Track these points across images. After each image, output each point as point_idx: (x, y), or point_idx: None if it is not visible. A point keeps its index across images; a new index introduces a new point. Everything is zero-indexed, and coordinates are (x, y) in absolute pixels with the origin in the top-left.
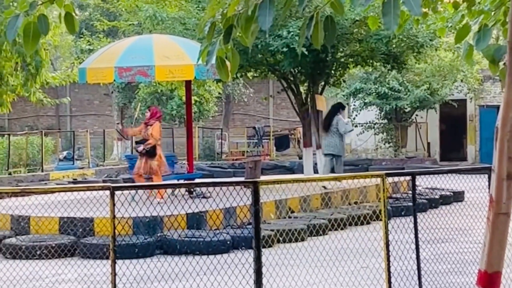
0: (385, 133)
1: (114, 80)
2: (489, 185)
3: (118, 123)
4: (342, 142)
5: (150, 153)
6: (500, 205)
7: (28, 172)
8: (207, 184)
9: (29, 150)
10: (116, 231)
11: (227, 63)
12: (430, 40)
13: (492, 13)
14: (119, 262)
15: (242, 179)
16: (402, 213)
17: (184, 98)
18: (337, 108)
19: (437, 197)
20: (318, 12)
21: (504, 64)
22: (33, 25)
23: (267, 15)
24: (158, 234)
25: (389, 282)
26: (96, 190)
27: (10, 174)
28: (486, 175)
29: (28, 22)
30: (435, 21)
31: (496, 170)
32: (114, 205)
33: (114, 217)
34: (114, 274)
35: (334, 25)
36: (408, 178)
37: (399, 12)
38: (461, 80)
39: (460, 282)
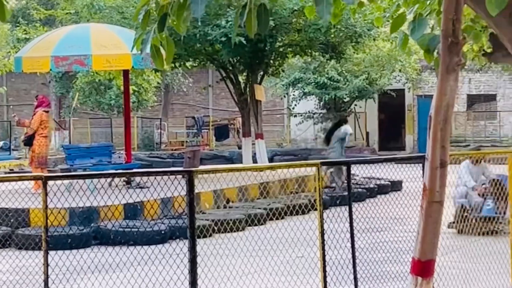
0: (324, 123)
1: (51, 70)
2: (423, 174)
3: (14, 115)
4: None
5: (27, 143)
6: (433, 194)
7: None
8: (141, 174)
9: None
10: (49, 221)
11: (163, 51)
12: (368, 30)
13: (428, 2)
14: (53, 253)
15: (181, 169)
16: (338, 202)
17: (122, 88)
18: (339, 124)
19: (375, 186)
20: (251, 0)
21: (438, 53)
22: None
23: (199, 3)
24: (94, 225)
25: (324, 271)
26: (28, 180)
27: None
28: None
29: None
30: (373, 11)
31: (429, 158)
32: (46, 195)
33: (46, 207)
34: (46, 264)
35: (268, 13)
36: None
37: (331, 0)
38: (400, 70)
39: (395, 270)
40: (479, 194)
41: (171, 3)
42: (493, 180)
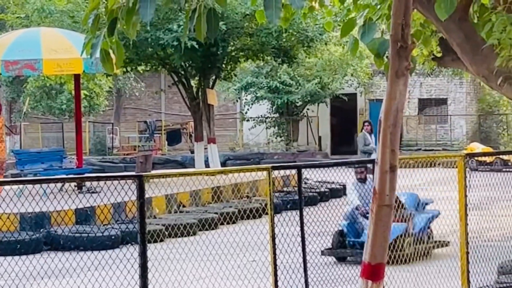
0: (276, 127)
1: (1, 74)
2: (373, 178)
3: None
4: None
5: None
6: (383, 197)
7: None
8: (92, 178)
9: None
10: None
11: (113, 56)
12: (320, 34)
13: (378, 7)
14: (2, 259)
15: (131, 173)
16: (289, 206)
17: (73, 92)
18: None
19: (327, 190)
20: (201, 4)
21: (388, 58)
22: None
23: (148, 7)
24: (45, 230)
25: (275, 275)
26: None
27: None
28: None
29: None
30: (324, 16)
31: (379, 162)
32: None
33: None
34: None
35: (217, 18)
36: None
37: (280, 5)
38: (351, 74)
39: (345, 274)
40: (361, 214)
41: (121, 7)
42: None
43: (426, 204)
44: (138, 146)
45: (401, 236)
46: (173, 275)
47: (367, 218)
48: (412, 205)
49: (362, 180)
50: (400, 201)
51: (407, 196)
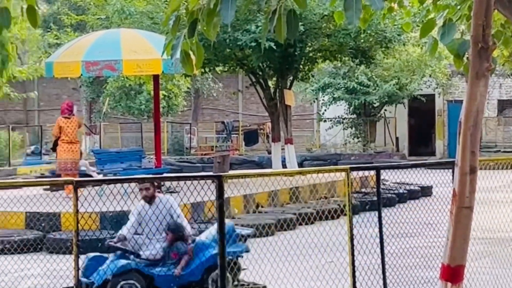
0: (354, 128)
1: (82, 74)
2: (453, 179)
3: None
4: None
5: (53, 150)
6: (463, 199)
7: None
8: (171, 178)
9: None
10: (80, 225)
11: (192, 56)
12: (398, 35)
13: (458, 7)
14: (84, 257)
15: (210, 174)
16: (367, 207)
17: (152, 93)
18: None
19: (405, 192)
20: (281, 5)
21: (468, 58)
22: None
23: (229, 9)
24: None
25: (354, 277)
26: (59, 184)
27: None
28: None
29: None
30: (402, 16)
31: (459, 164)
32: (77, 199)
33: (77, 211)
34: (77, 269)
35: (297, 19)
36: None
37: (360, 6)
38: (430, 75)
39: (424, 276)
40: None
41: (201, 9)
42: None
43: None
44: (216, 146)
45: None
46: (252, 275)
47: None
48: (212, 238)
49: (148, 199)
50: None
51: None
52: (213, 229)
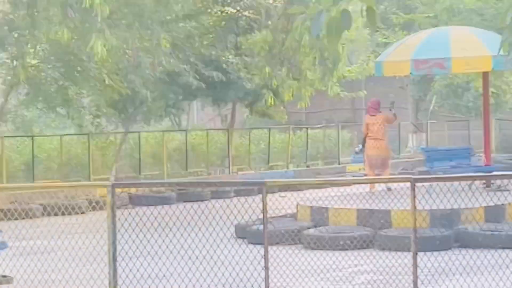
0: None
1: (410, 73)
2: None
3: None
4: None
5: (363, 146)
6: None
7: (325, 165)
8: (503, 176)
9: (326, 143)
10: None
11: None
12: None
13: None
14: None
15: None
16: None
17: (480, 90)
18: None
19: None
20: None
21: None
22: (336, 20)
23: None
24: (456, 227)
25: None
26: (396, 182)
27: (308, 167)
28: None
29: (332, 18)
30: None
31: None
32: (414, 197)
33: (415, 209)
34: (415, 266)
35: None
36: None
37: None
38: None
39: None
40: None
41: None
42: None
43: None
44: None
45: None
46: None
47: None
48: None
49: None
50: None
51: None
52: None
